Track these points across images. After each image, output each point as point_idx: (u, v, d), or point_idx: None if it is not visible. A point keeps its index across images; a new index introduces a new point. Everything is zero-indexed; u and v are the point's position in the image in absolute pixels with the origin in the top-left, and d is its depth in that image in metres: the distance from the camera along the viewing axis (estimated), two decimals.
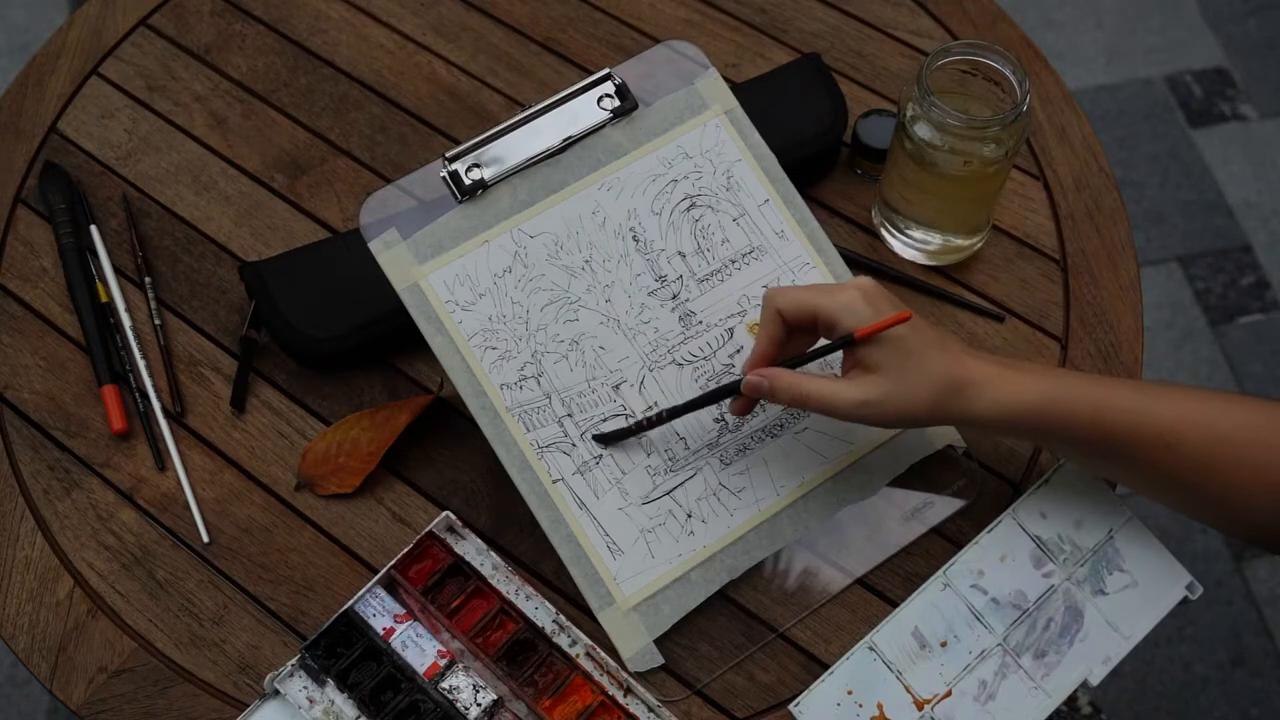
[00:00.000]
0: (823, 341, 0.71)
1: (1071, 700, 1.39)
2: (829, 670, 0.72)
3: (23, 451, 0.81)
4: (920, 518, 0.78)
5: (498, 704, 0.71)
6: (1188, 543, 1.50)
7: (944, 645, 0.73)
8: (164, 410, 0.82)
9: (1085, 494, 0.76)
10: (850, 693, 0.71)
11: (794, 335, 0.71)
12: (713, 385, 0.77)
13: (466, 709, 0.70)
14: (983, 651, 0.72)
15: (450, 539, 0.75)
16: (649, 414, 0.75)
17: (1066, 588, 0.74)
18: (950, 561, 0.75)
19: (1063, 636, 0.73)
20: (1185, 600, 0.75)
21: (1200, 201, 1.77)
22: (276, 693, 0.71)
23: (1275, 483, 0.67)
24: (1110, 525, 0.76)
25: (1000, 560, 0.75)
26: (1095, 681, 0.72)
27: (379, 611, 0.73)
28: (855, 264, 0.86)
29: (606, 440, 0.75)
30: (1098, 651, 0.73)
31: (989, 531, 0.75)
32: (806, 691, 0.71)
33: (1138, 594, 0.74)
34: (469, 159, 0.77)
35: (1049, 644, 0.73)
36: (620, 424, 0.76)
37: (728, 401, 0.77)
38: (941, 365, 0.68)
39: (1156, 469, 0.69)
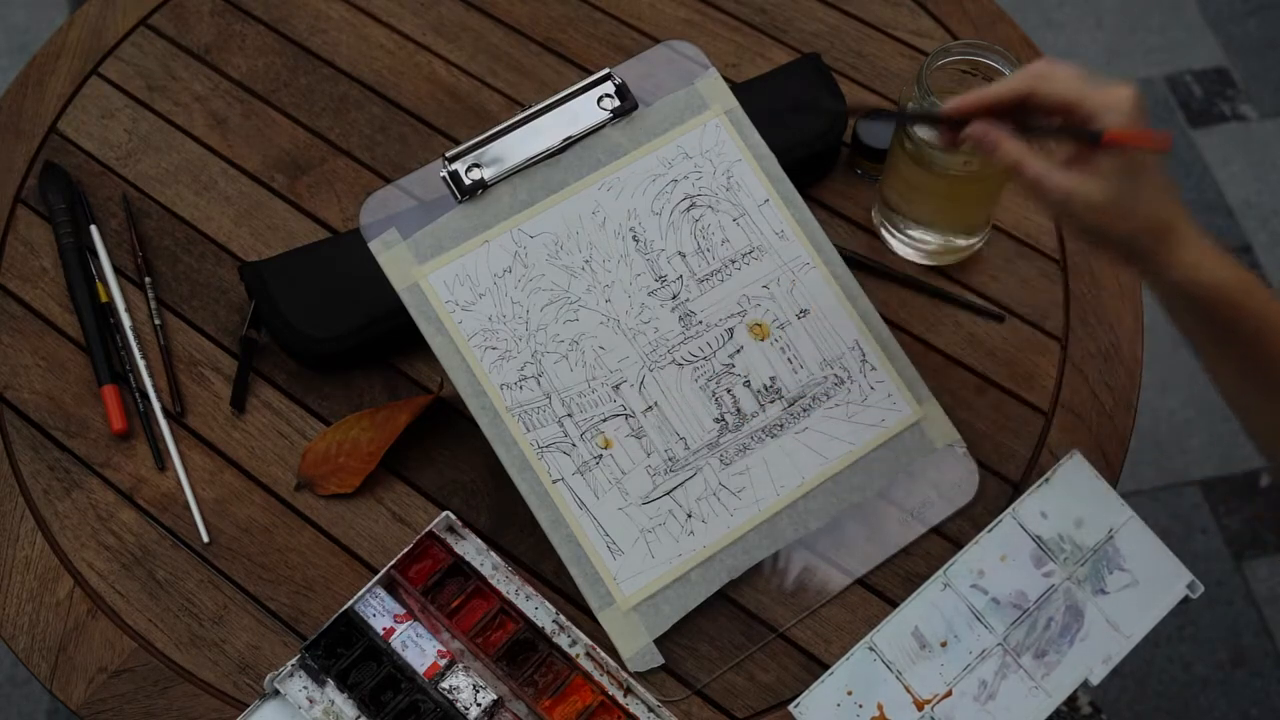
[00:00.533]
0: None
1: (1071, 700, 1.39)
2: (829, 670, 0.72)
3: (23, 451, 0.81)
4: (920, 518, 0.78)
5: (498, 704, 0.71)
6: (1188, 542, 1.50)
7: (944, 645, 0.72)
8: (164, 410, 0.82)
9: (1085, 493, 0.76)
10: (850, 693, 0.71)
11: (1024, 108, 0.67)
12: (712, 385, 0.77)
13: (466, 709, 0.70)
14: (983, 651, 0.72)
15: (450, 539, 0.75)
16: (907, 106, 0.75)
17: (1067, 587, 0.74)
18: (950, 561, 0.75)
19: (1063, 636, 0.73)
20: (1186, 599, 0.75)
21: (1200, 201, 1.77)
22: (276, 693, 0.71)
23: None
24: (1110, 524, 0.76)
25: (1000, 560, 0.75)
26: (1095, 681, 0.72)
27: (379, 611, 0.73)
28: (855, 264, 0.86)
29: (916, 119, 0.76)
30: (1098, 651, 0.73)
31: (989, 531, 0.75)
32: (806, 691, 0.71)
33: (1138, 593, 0.74)
34: (469, 159, 0.77)
35: (1049, 643, 0.73)
36: (620, 424, 0.76)
37: (730, 400, 0.77)
38: (1164, 202, 0.65)
39: None
